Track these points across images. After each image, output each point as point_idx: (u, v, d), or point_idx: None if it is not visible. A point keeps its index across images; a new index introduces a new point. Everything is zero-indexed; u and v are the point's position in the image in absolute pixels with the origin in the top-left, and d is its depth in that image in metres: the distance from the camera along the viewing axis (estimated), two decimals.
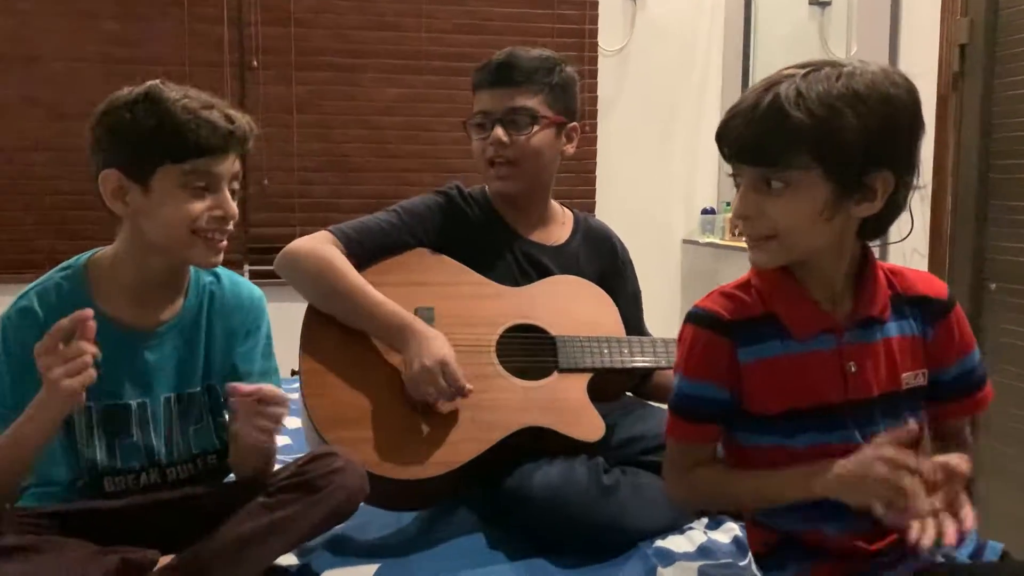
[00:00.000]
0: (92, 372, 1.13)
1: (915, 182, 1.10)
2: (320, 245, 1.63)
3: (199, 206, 1.24)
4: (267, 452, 1.34)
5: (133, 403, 1.32)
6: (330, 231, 1.66)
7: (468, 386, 1.53)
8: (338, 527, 1.49)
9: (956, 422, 1.20)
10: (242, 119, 1.26)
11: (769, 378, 1.13)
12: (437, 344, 1.53)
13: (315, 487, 1.26)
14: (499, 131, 1.70)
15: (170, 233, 1.25)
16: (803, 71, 1.05)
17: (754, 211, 1.07)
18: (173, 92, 1.23)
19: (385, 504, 1.57)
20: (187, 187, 1.23)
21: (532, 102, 1.70)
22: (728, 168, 1.13)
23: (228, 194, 1.27)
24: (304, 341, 1.60)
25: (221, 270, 1.40)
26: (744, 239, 1.13)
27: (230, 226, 1.28)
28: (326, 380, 1.56)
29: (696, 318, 1.16)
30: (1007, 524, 2.11)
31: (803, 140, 1.02)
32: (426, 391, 1.51)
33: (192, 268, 1.36)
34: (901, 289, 1.17)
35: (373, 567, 1.42)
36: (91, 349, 1.13)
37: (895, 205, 1.09)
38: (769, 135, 1.03)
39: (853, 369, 1.12)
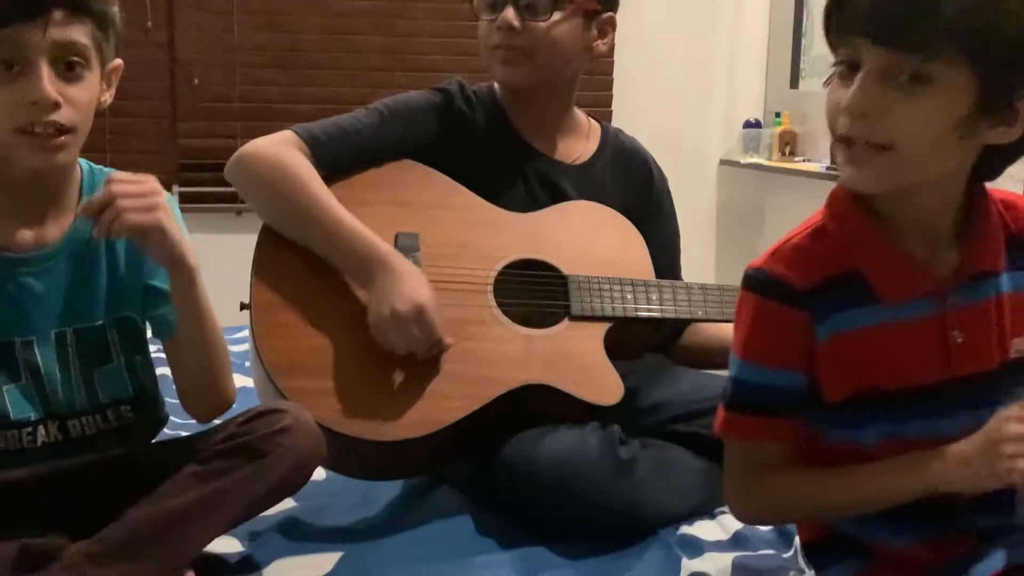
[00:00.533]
0: None
1: None
2: (280, 148, 1.61)
3: (10, 95, 1.20)
4: (210, 314, 1.33)
5: (17, 341, 1.31)
6: (295, 131, 1.64)
7: (447, 340, 1.53)
8: (294, 507, 1.51)
9: None
10: None
11: (849, 357, 1.10)
12: (413, 284, 1.52)
13: (259, 451, 1.26)
14: (510, 12, 1.66)
15: None
16: None
17: (876, 108, 1.00)
18: None
19: (349, 469, 1.57)
20: None
21: None
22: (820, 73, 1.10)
23: (45, 72, 1.21)
24: (257, 266, 1.59)
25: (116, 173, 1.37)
26: (840, 150, 1.05)
27: (60, 116, 1.22)
28: (282, 317, 1.55)
29: (758, 284, 1.12)
30: None
31: (957, 28, 0.97)
32: (393, 341, 1.51)
33: (84, 174, 1.35)
34: (1016, 228, 1.14)
35: (334, 556, 1.43)
36: None
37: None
38: (917, 10, 0.97)
39: (959, 339, 1.10)
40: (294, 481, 1.32)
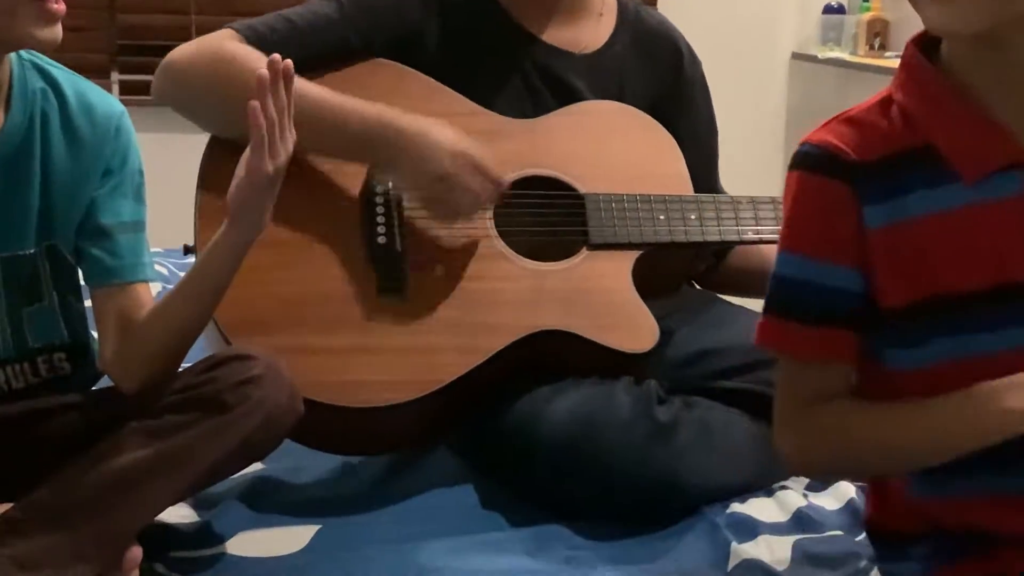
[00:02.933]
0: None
1: None
2: (220, 42, 1.62)
3: None
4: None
5: None
6: (234, 28, 1.64)
7: (505, 177, 1.58)
8: (261, 469, 1.54)
9: None
10: None
11: (917, 250, 1.11)
12: (444, 133, 1.57)
13: (222, 404, 1.28)
14: None
15: None
16: None
17: None
18: None
19: (326, 444, 1.60)
20: None
21: None
22: None
23: None
24: (202, 199, 1.59)
25: (61, 73, 1.39)
26: None
27: None
28: None
29: (803, 159, 1.14)
30: None
31: None
32: (456, 204, 1.56)
33: (15, 69, 1.35)
34: None
35: (309, 530, 1.46)
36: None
37: None
38: None
39: None
40: (263, 441, 1.34)
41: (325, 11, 1.68)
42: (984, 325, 1.11)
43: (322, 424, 1.49)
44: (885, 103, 1.14)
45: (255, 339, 1.50)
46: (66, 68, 1.41)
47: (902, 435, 1.13)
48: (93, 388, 1.48)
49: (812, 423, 1.17)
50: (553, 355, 1.58)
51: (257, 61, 1.55)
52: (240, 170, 1.29)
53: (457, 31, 1.73)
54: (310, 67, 1.64)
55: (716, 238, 1.70)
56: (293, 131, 1.31)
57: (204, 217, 1.57)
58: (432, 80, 1.70)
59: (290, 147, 1.30)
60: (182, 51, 1.63)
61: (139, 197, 1.44)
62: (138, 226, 1.42)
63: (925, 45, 1.13)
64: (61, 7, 1.26)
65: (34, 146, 1.35)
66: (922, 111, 1.11)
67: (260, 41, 1.62)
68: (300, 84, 1.54)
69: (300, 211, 1.58)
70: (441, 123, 1.57)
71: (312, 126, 1.53)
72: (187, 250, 1.61)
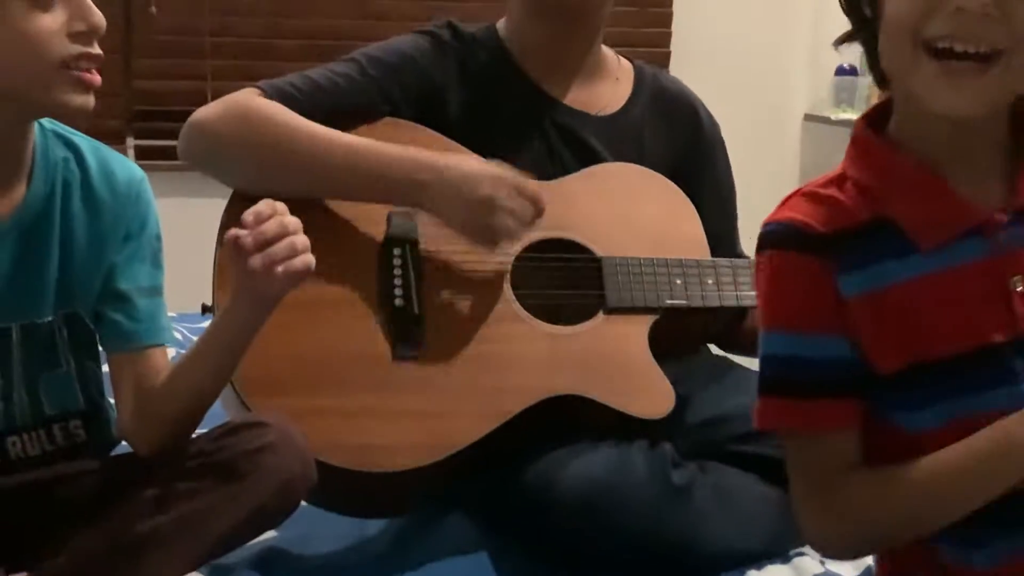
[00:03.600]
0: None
1: None
2: (246, 99, 1.65)
3: (53, 20, 1.24)
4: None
5: None
6: (257, 87, 1.68)
7: (542, 196, 1.60)
8: (273, 537, 1.54)
9: None
10: None
11: (891, 320, 1.11)
12: (473, 163, 1.60)
13: (236, 472, 1.28)
14: None
15: (21, 66, 1.25)
16: None
17: (996, 6, 1.02)
18: None
19: (340, 507, 1.60)
20: None
21: None
22: None
23: None
24: (222, 258, 1.60)
25: (83, 141, 1.41)
26: (927, 69, 1.06)
27: (96, 48, 1.28)
28: None
29: (771, 238, 1.15)
30: None
31: None
32: (500, 228, 1.58)
33: (38, 138, 1.37)
34: None
35: None
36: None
37: None
38: None
39: (1021, 286, 1.11)
40: (276, 509, 1.34)
41: (347, 71, 1.71)
42: (976, 387, 1.11)
43: (335, 486, 1.49)
44: (839, 179, 1.16)
45: (270, 399, 1.51)
46: (86, 136, 1.43)
47: (954, 486, 1.10)
48: (109, 454, 1.49)
49: (840, 501, 1.15)
50: (569, 418, 1.58)
51: (283, 115, 1.62)
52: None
53: (476, 92, 1.76)
54: (332, 124, 1.67)
55: (733, 303, 1.71)
56: (305, 253, 1.32)
57: (223, 275, 1.58)
58: (451, 141, 1.72)
59: (299, 266, 1.31)
60: (207, 109, 1.66)
61: (156, 262, 1.45)
62: (155, 291, 1.44)
63: (873, 120, 1.16)
64: (97, 78, 1.29)
65: (54, 216, 1.37)
66: (875, 185, 1.13)
67: (283, 99, 1.65)
68: (327, 131, 1.61)
69: (317, 270, 1.59)
70: (467, 155, 1.61)
71: (344, 169, 1.60)
72: (205, 309, 1.63)
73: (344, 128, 1.68)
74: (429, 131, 1.72)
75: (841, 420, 1.15)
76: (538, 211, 1.60)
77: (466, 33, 1.80)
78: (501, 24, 1.83)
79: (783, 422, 1.17)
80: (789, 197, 1.16)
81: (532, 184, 1.60)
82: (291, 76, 1.70)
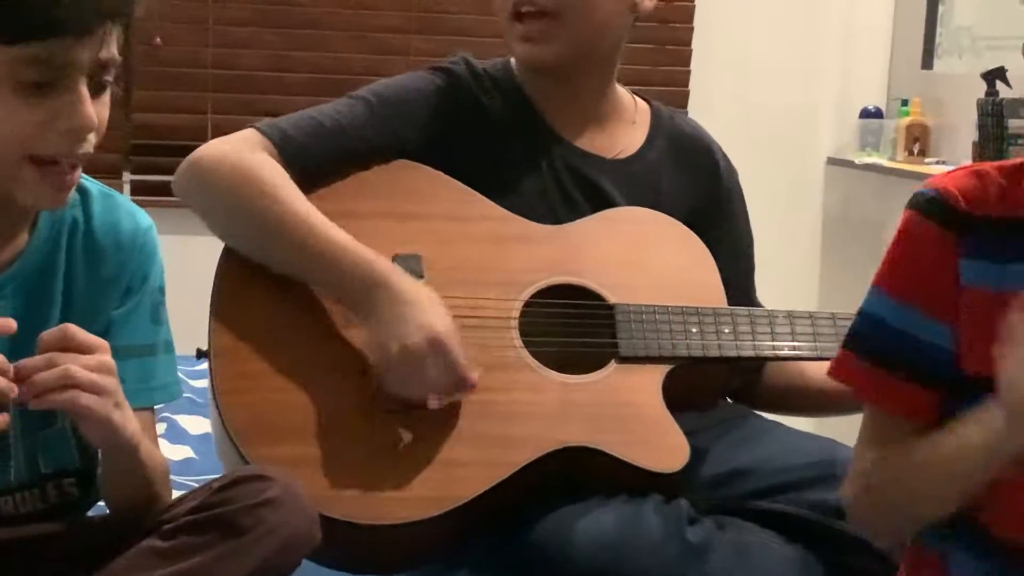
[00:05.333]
0: None
1: None
2: (241, 148, 1.64)
3: (36, 115, 1.21)
4: (145, 466, 1.34)
5: None
6: (258, 129, 1.67)
7: (474, 375, 1.56)
8: None
9: None
10: None
11: (993, 322, 1.09)
12: (424, 309, 1.55)
13: (237, 527, 1.27)
14: None
15: None
16: None
17: None
18: None
19: (342, 563, 1.59)
20: (19, 84, 1.20)
21: None
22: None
23: (86, 92, 1.23)
24: (217, 303, 1.62)
25: (92, 186, 1.41)
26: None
27: (88, 145, 1.25)
28: (250, 367, 1.58)
29: (917, 200, 1.16)
30: None
31: None
32: (405, 385, 1.54)
33: None
34: None
35: None
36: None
37: None
38: None
39: None
40: (279, 567, 1.32)
41: (355, 111, 1.71)
42: None
43: (334, 539, 1.46)
44: (1018, 169, 1.16)
45: (267, 448, 1.51)
46: (93, 179, 1.42)
47: (938, 463, 1.14)
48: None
49: (870, 478, 1.19)
50: (579, 471, 1.57)
51: (276, 179, 1.61)
52: None
53: (489, 134, 1.76)
54: (339, 169, 1.69)
55: (750, 353, 1.71)
56: (113, 373, 1.25)
57: (219, 320, 1.60)
58: (463, 185, 1.72)
59: (108, 404, 1.23)
60: (207, 149, 1.66)
61: (156, 318, 1.45)
62: (151, 349, 1.43)
63: None
64: (74, 179, 1.27)
65: (59, 264, 1.37)
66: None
67: (286, 142, 1.65)
68: (306, 211, 1.59)
69: (316, 316, 1.61)
70: (438, 304, 1.57)
71: (306, 257, 1.58)
72: (200, 354, 1.62)
73: (351, 171, 1.69)
74: (443, 176, 1.72)
75: (911, 408, 1.17)
76: (461, 388, 1.55)
77: (480, 70, 1.80)
78: (515, 61, 1.83)
79: (856, 384, 1.20)
80: (961, 168, 1.18)
81: (461, 368, 1.54)
82: (294, 116, 1.70)
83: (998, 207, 1.14)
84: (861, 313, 1.18)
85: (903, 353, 1.15)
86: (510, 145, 1.77)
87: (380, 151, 1.71)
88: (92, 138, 1.25)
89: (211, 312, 1.61)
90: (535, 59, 1.75)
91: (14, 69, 1.18)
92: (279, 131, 1.66)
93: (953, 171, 1.17)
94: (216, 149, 1.66)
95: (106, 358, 1.23)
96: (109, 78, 1.26)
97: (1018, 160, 1.17)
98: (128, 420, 1.27)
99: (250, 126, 1.68)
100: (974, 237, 1.13)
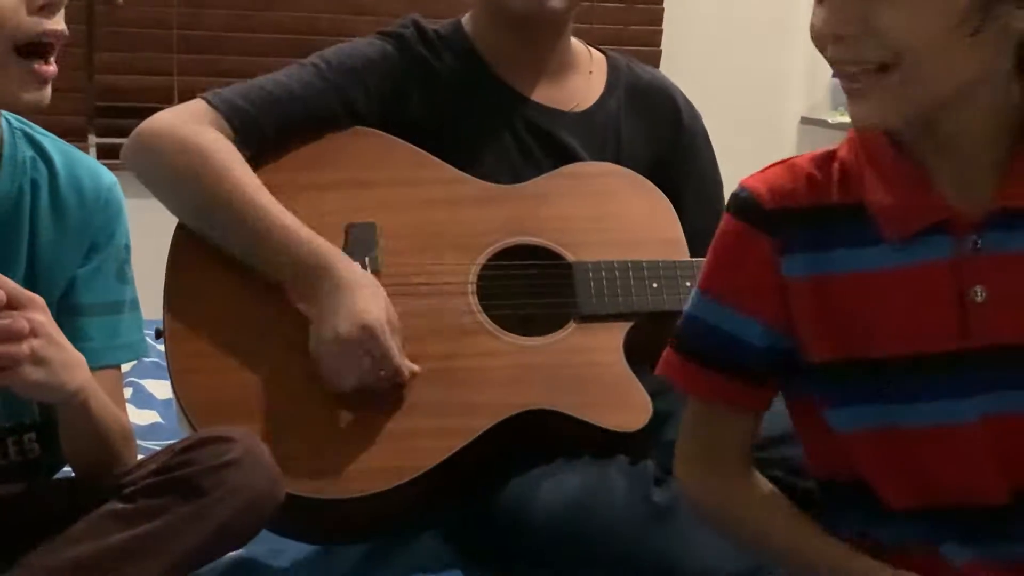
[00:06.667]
0: None
1: None
2: (192, 123, 1.65)
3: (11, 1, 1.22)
4: (97, 419, 1.33)
5: None
6: (208, 100, 1.67)
7: (409, 367, 1.56)
8: (240, 555, 1.54)
9: None
10: None
11: (838, 308, 1.14)
12: (362, 298, 1.55)
13: (198, 489, 1.28)
14: None
15: None
16: None
17: (855, 24, 1.06)
18: None
19: (301, 534, 1.61)
20: None
21: None
22: None
23: None
24: (170, 283, 1.63)
25: (52, 143, 1.41)
26: (842, 84, 1.10)
27: (61, 22, 1.26)
28: (204, 345, 1.59)
29: (733, 201, 1.19)
30: None
31: None
32: (336, 372, 1.55)
33: (6, 136, 1.37)
34: None
35: None
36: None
37: None
38: None
39: (980, 296, 1.11)
40: (241, 528, 1.34)
41: (306, 77, 1.71)
42: (902, 397, 1.14)
43: (295, 514, 1.48)
44: (828, 157, 1.18)
45: (220, 425, 1.48)
46: (55, 136, 1.42)
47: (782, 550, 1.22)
48: (64, 472, 1.49)
49: (720, 495, 1.24)
50: (541, 435, 1.58)
51: (224, 155, 1.61)
52: None
53: (443, 95, 1.77)
54: (290, 138, 1.69)
55: None
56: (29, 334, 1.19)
57: (172, 299, 1.62)
58: (417, 149, 1.73)
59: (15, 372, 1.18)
60: (155, 122, 1.66)
61: (122, 276, 1.45)
62: (116, 307, 1.43)
63: None
64: (52, 68, 1.27)
65: (23, 217, 1.37)
66: (859, 169, 1.15)
67: (234, 114, 1.66)
68: (253, 191, 1.59)
69: (269, 294, 1.61)
70: (376, 292, 1.57)
71: (251, 239, 1.59)
72: (158, 334, 1.64)
73: (305, 139, 1.70)
74: (396, 140, 1.73)
75: (734, 399, 1.21)
76: (389, 378, 1.56)
77: (431, 31, 1.80)
78: (467, 19, 1.83)
79: (679, 379, 1.23)
80: (774, 164, 1.19)
81: (394, 359, 1.55)
82: (243, 87, 1.70)
83: (808, 197, 1.15)
84: (684, 314, 1.21)
85: (718, 349, 1.18)
86: (465, 103, 1.77)
87: (332, 119, 1.72)
88: (62, 14, 1.26)
89: (165, 291, 1.62)
90: (547, 11, 1.71)
91: None
92: (228, 103, 1.66)
93: (769, 167, 1.18)
94: (164, 122, 1.66)
95: (40, 316, 1.21)
96: None
97: (831, 148, 1.19)
98: (68, 373, 1.24)
99: (200, 97, 1.68)
100: (787, 233, 1.15)
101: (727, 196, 1.26)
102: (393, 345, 1.54)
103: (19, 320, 1.18)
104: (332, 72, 1.72)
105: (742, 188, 1.18)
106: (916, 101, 1.08)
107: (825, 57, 1.10)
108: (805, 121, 3.73)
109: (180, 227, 1.66)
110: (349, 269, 1.58)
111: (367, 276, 1.59)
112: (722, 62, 3.58)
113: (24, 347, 1.18)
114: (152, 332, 1.63)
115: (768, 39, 3.68)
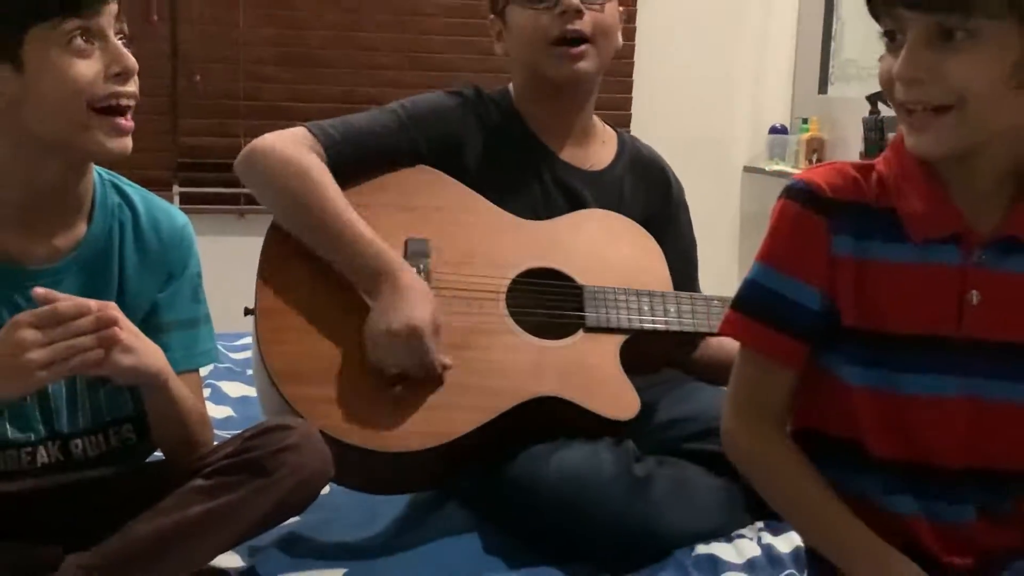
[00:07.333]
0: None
1: None
2: (295, 145, 1.64)
3: (90, 66, 1.23)
4: (177, 401, 1.32)
5: None
6: (308, 128, 1.68)
7: (445, 362, 1.56)
8: (296, 521, 1.51)
9: None
10: None
11: (866, 285, 1.14)
12: (414, 302, 1.55)
13: (263, 468, 1.27)
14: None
15: (62, 113, 1.24)
16: None
17: (927, 72, 1.06)
18: None
19: (352, 482, 1.59)
20: (67, 48, 1.23)
21: None
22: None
23: (120, 44, 1.26)
24: (262, 270, 1.62)
25: (134, 191, 1.40)
26: (902, 118, 1.11)
27: (135, 85, 1.27)
28: (287, 322, 1.58)
29: (789, 190, 1.18)
30: None
31: None
32: (383, 359, 1.54)
33: (98, 184, 1.36)
34: None
35: (337, 574, 1.45)
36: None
37: None
38: None
39: (975, 300, 1.13)
40: (298, 502, 1.33)
41: (384, 120, 1.71)
42: (902, 366, 1.14)
43: (352, 465, 1.49)
44: (868, 168, 1.18)
45: (299, 388, 1.52)
46: (137, 185, 1.41)
47: (815, 526, 1.18)
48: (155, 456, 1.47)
49: (764, 442, 1.20)
50: (549, 417, 1.58)
51: (320, 175, 1.61)
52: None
53: (491, 145, 1.76)
54: (370, 166, 1.69)
55: (690, 328, 1.72)
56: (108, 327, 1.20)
57: (263, 283, 1.60)
58: (464, 187, 1.72)
59: (105, 358, 1.20)
60: (265, 141, 1.65)
61: (196, 297, 1.43)
62: (193, 323, 1.42)
63: None
64: (130, 123, 1.27)
65: (113, 253, 1.36)
66: (893, 181, 1.15)
67: (328, 142, 1.66)
68: (341, 206, 1.60)
69: (341, 285, 1.60)
70: (426, 298, 1.56)
71: (336, 244, 1.59)
72: (247, 312, 1.62)
73: (379, 169, 1.70)
74: (448, 178, 1.72)
75: (786, 356, 1.18)
76: (427, 371, 1.55)
77: (486, 95, 1.80)
78: (513, 87, 1.83)
79: (742, 335, 1.21)
80: (822, 165, 1.19)
81: (431, 358, 1.54)
82: (336, 120, 1.70)
83: (854, 194, 1.16)
84: (746, 281, 1.20)
85: (777, 310, 1.17)
86: (506, 154, 1.76)
87: (403, 155, 1.71)
88: (136, 79, 1.27)
89: (258, 276, 1.61)
90: (585, 71, 1.72)
91: (68, 37, 1.22)
92: (324, 133, 1.67)
93: (817, 167, 1.19)
94: (272, 142, 1.65)
95: (119, 315, 1.22)
96: (125, 28, 1.28)
97: (866, 162, 1.19)
98: (148, 357, 1.26)
99: (302, 125, 1.68)
100: (839, 218, 1.15)
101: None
102: (432, 346, 1.54)
103: (108, 311, 1.19)
104: (406, 118, 1.72)
105: (800, 181, 1.18)
106: (965, 138, 1.08)
107: (891, 99, 1.10)
108: (747, 169, 3.73)
109: (273, 227, 1.65)
110: (409, 276, 1.57)
111: (421, 283, 1.58)
112: (681, 123, 3.58)
113: (115, 331, 1.19)
114: (230, 335, 1.60)
115: (717, 105, 3.69)
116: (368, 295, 1.58)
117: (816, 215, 1.15)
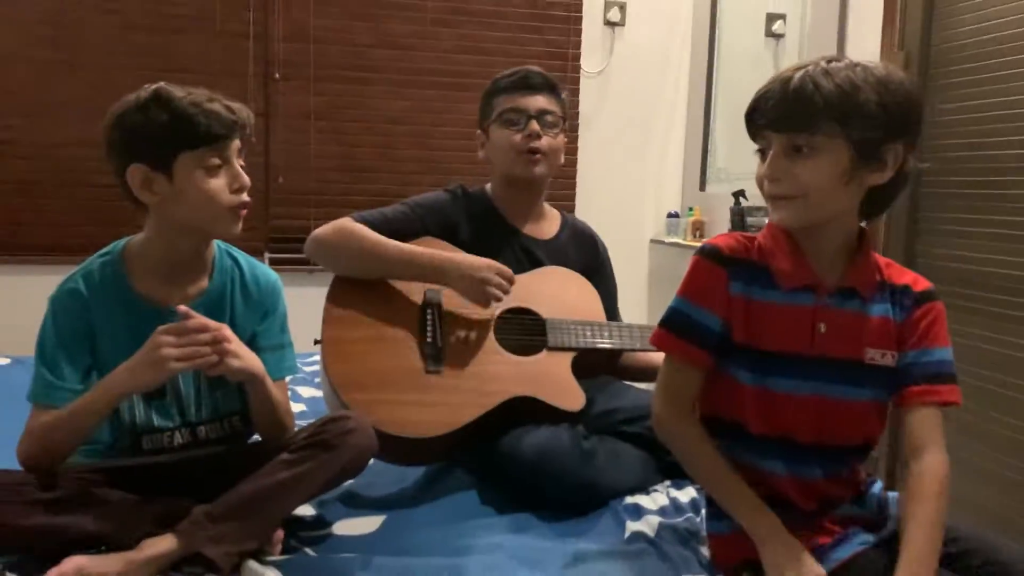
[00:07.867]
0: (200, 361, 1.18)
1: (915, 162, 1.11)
2: (341, 222, 1.65)
3: (220, 182, 1.25)
4: (271, 395, 1.31)
5: None
6: (352, 217, 1.68)
7: (509, 272, 1.58)
8: (349, 483, 1.50)
9: (921, 429, 1.13)
10: (241, 109, 1.27)
11: (751, 316, 1.15)
12: (471, 260, 1.60)
13: (330, 446, 1.26)
14: (535, 125, 1.72)
15: (203, 210, 1.25)
16: (824, 61, 1.09)
17: (783, 173, 1.09)
18: (177, 91, 1.24)
19: (394, 459, 1.57)
20: (206, 168, 1.24)
21: (556, 107, 1.75)
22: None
23: (239, 168, 1.28)
24: (327, 310, 1.61)
25: (241, 257, 1.40)
26: (768, 203, 1.14)
27: (247, 196, 1.29)
28: (346, 348, 1.57)
29: (701, 250, 1.19)
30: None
31: (831, 109, 1.05)
32: (489, 290, 1.56)
33: (216, 251, 1.36)
34: (889, 277, 1.19)
35: (380, 518, 1.44)
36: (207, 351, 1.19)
37: (901, 179, 1.11)
38: (801, 104, 1.06)
39: (823, 329, 1.14)
40: (353, 469, 1.32)
41: (404, 210, 1.71)
42: (774, 372, 1.14)
43: (393, 447, 1.47)
44: (752, 238, 1.19)
45: (355, 394, 1.50)
46: (243, 252, 1.41)
47: (715, 485, 1.17)
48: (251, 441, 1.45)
49: (682, 424, 1.19)
50: (524, 410, 1.57)
51: (366, 231, 1.62)
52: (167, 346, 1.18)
53: (474, 226, 1.76)
54: (393, 238, 1.67)
55: (619, 346, 1.72)
56: (222, 342, 1.21)
57: (328, 320, 1.60)
58: (461, 251, 1.71)
59: (222, 362, 1.21)
60: (323, 229, 1.65)
61: (283, 328, 1.42)
62: (281, 347, 1.40)
63: None
64: (245, 213, 1.29)
65: (226, 298, 1.36)
66: (768, 247, 1.17)
67: (365, 222, 1.65)
68: (392, 242, 1.61)
69: (383, 318, 1.60)
70: (469, 256, 1.61)
71: (403, 262, 1.60)
72: (316, 342, 1.60)
73: (399, 239, 1.68)
74: (447, 244, 1.72)
75: (695, 360, 1.18)
76: (511, 285, 1.59)
77: (471, 191, 1.80)
78: (489, 185, 1.83)
79: (667, 346, 1.20)
80: (723, 235, 1.20)
81: (508, 271, 1.60)
82: (371, 211, 1.70)
83: (744, 254, 1.17)
84: (669, 309, 1.20)
85: (691, 329, 1.17)
86: (486, 232, 1.76)
87: (415, 232, 1.71)
88: (247, 190, 1.28)
89: (324, 317, 1.60)
90: (538, 176, 1.74)
91: (204, 161, 1.23)
92: (363, 219, 1.67)
93: (719, 236, 1.20)
94: (329, 226, 1.65)
95: (224, 332, 1.22)
96: (243, 160, 1.29)
97: (753, 234, 1.20)
98: (251, 362, 1.25)
99: (347, 216, 1.68)
100: (734, 269, 1.16)
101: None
102: (503, 265, 1.58)
103: (222, 330, 1.20)
104: (417, 208, 1.73)
105: (708, 244, 1.18)
106: (809, 218, 1.11)
107: (762, 191, 1.12)
108: (653, 242, 3.73)
109: (335, 280, 1.64)
110: (456, 256, 1.61)
111: (464, 253, 1.61)
112: (607, 206, 3.57)
113: (225, 344, 1.19)
114: (305, 354, 1.59)
115: (633, 196, 3.71)
116: (441, 282, 1.59)
117: (718, 266, 1.16)
